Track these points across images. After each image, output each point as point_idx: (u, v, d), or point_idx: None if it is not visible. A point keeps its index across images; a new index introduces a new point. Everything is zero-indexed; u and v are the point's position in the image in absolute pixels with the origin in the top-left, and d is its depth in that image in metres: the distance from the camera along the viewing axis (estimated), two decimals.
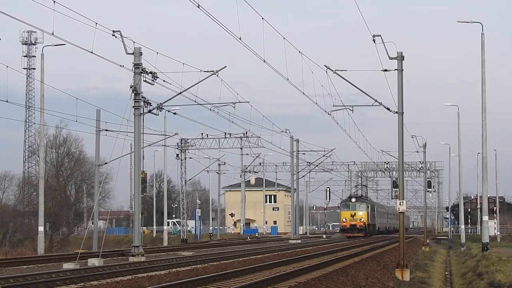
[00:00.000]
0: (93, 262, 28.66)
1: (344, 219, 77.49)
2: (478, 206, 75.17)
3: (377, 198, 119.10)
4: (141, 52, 34.15)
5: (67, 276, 21.83)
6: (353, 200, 78.99)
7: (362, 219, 77.04)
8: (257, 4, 28.93)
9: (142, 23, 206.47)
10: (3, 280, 20.30)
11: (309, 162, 74.24)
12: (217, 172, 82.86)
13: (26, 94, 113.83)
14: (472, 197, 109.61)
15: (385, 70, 29.69)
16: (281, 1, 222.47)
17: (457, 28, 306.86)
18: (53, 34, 27.01)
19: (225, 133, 66.58)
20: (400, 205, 28.41)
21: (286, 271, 23.27)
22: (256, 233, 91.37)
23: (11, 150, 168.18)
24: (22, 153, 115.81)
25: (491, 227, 70.75)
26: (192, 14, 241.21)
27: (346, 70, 30.16)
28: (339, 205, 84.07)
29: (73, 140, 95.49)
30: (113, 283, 19.68)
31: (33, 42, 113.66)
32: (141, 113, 34.62)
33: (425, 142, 64.36)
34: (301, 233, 73.95)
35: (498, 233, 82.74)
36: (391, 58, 28.81)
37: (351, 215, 76.84)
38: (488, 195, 46.72)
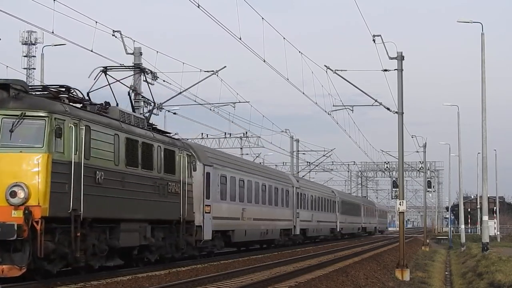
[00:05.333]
0: None
1: None
2: (478, 206, 75.08)
3: (377, 198, 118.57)
4: (141, 52, 34.08)
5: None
6: None
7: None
8: (257, 4, 28.99)
9: (142, 23, 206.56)
10: (2, 280, 20.28)
11: (309, 162, 74.18)
12: None
13: None
14: (472, 197, 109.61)
15: (385, 70, 29.67)
16: (281, 1, 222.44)
17: (457, 28, 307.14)
18: (53, 33, 27.01)
19: (225, 133, 66.49)
20: (400, 205, 28.45)
21: (286, 271, 23.27)
22: None
23: None
24: None
25: (491, 227, 70.64)
26: (192, 14, 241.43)
27: (346, 70, 30.14)
28: None
29: None
30: (113, 283, 19.64)
31: (33, 42, 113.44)
32: (141, 113, 34.58)
33: (425, 142, 64.44)
34: None
35: (498, 233, 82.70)
36: (391, 58, 28.78)
37: None
38: (488, 195, 46.71)
